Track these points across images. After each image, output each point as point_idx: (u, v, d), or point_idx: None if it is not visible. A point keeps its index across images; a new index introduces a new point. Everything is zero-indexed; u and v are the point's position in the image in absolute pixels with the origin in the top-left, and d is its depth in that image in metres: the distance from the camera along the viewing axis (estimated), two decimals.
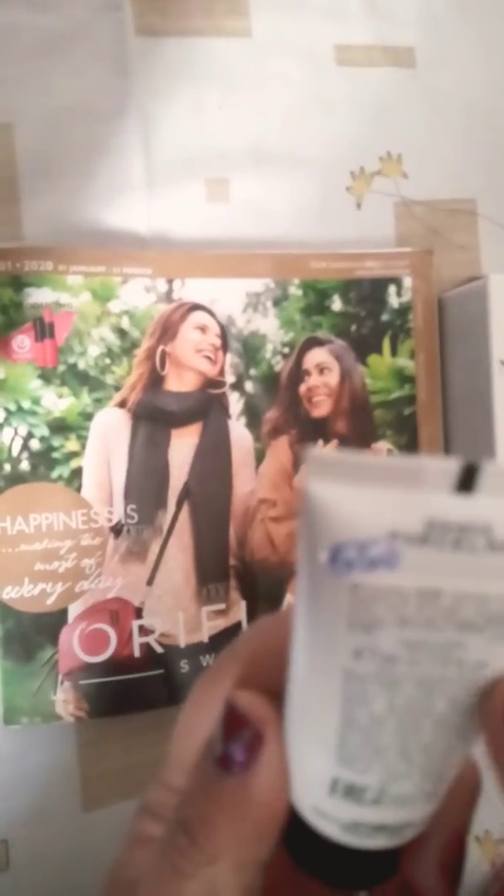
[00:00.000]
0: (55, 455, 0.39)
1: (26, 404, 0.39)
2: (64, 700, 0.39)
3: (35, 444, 0.39)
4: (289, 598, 0.43)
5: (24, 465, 0.39)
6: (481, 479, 0.13)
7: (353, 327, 0.44)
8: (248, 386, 0.43)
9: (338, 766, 0.16)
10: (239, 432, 0.42)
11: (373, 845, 0.17)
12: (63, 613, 0.39)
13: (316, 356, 0.43)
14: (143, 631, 0.40)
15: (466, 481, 0.13)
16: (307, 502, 0.14)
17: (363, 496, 0.14)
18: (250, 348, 0.42)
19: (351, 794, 0.16)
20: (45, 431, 0.39)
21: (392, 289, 0.44)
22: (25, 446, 0.39)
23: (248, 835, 0.17)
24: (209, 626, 0.41)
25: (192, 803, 0.17)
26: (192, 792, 0.17)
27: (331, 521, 0.14)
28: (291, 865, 0.19)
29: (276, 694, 0.17)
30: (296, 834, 0.18)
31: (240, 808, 0.16)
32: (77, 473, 0.40)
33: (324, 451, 0.14)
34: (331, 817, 0.17)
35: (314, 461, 0.14)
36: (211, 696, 0.19)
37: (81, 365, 0.40)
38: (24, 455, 0.39)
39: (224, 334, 0.42)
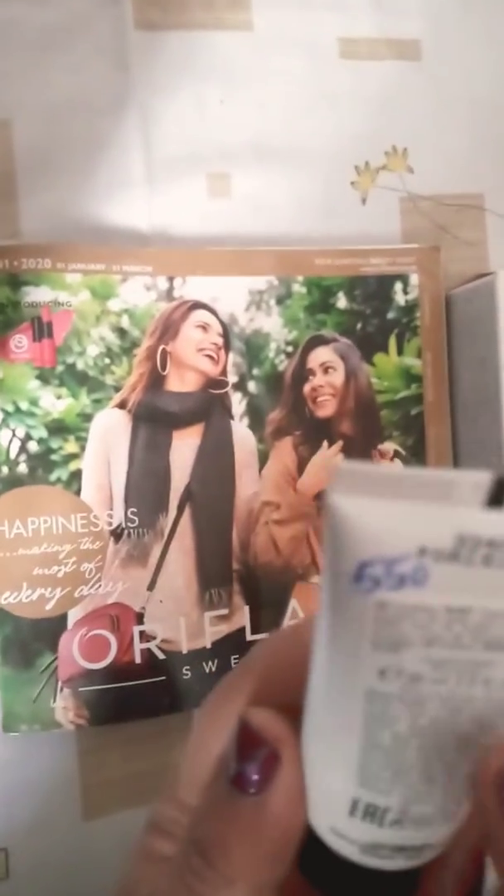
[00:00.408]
0: (54, 457, 0.39)
1: (24, 405, 0.38)
2: (64, 707, 0.38)
3: (33, 446, 0.38)
4: (293, 604, 0.42)
5: (22, 468, 0.38)
6: None
7: (359, 325, 0.43)
8: (251, 386, 0.42)
9: (358, 787, 0.16)
10: (242, 433, 0.41)
11: (392, 866, 0.17)
12: (62, 619, 0.38)
13: (320, 355, 0.42)
14: (144, 637, 0.39)
15: (498, 495, 0.13)
16: (333, 517, 0.14)
17: (391, 511, 0.13)
18: (253, 347, 0.42)
19: (371, 815, 0.16)
20: (43, 433, 0.39)
21: (398, 286, 0.43)
22: (23, 448, 0.38)
23: (265, 856, 0.16)
24: (212, 632, 0.40)
25: (206, 824, 0.17)
26: (206, 812, 0.17)
27: (357, 537, 0.13)
28: (305, 885, 0.18)
29: (291, 710, 0.17)
30: (312, 854, 0.17)
31: (256, 829, 0.16)
32: (76, 476, 0.39)
33: (351, 463, 0.14)
34: (350, 838, 0.16)
35: (341, 474, 0.14)
36: (223, 713, 0.18)
37: (80, 365, 0.39)
38: (22, 457, 0.38)
39: (226, 333, 0.41)
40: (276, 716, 0.17)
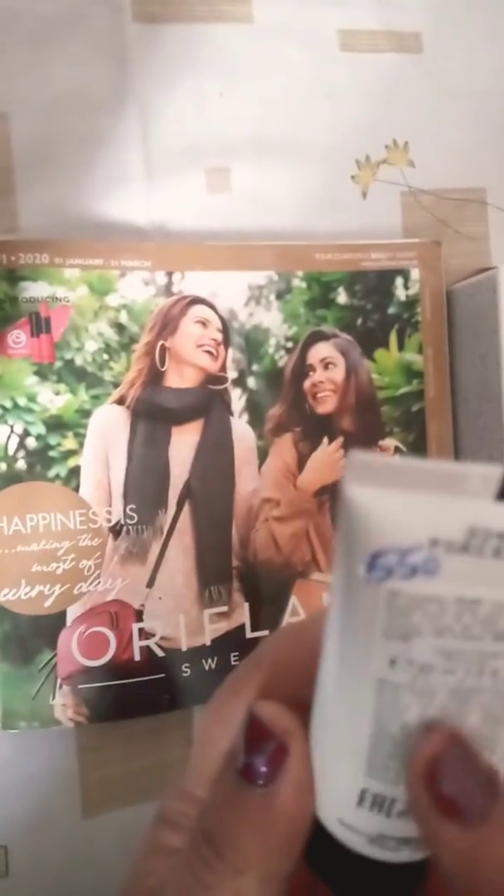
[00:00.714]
0: (52, 453, 0.38)
1: (22, 401, 0.38)
2: (63, 704, 0.38)
3: (31, 443, 0.38)
4: (293, 601, 0.42)
5: (21, 464, 0.38)
6: None
7: (359, 321, 0.43)
8: (251, 382, 0.41)
9: (367, 778, 0.16)
10: (241, 430, 0.41)
11: (398, 859, 0.17)
12: (61, 616, 0.38)
13: (321, 351, 0.42)
14: (144, 634, 0.39)
15: None
16: (348, 507, 0.14)
17: (404, 502, 0.13)
18: (253, 343, 0.41)
19: (379, 806, 0.16)
20: (41, 429, 0.38)
21: (399, 281, 0.43)
22: (21, 444, 0.38)
23: (274, 847, 0.16)
24: (211, 629, 0.40)
25: (215, 815, 0.17)
26: (215, 804, 0.17)
27: (371, 527, 0.14)
28: (312, 879, 0.18)
29: (299, 704, 0.17)
30: (318, 847, 0.17)
31: (265, 820, 0.16)
32: (75, 472, 0.39)
33: (366, 455, 0.14)
34: (357, 830, 0.17)
35: (355, 465, 0.14)
36: (232, 706, 0.18)
37: (79, 361, 0.39)
38: (21, 453, 0.38)
39: (226, 328, 0.41)
40: (285, 709, 0.17)
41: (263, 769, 0.16)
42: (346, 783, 0.16)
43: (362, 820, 0.16)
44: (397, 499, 0.13)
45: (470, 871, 0.14)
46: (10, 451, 0.38)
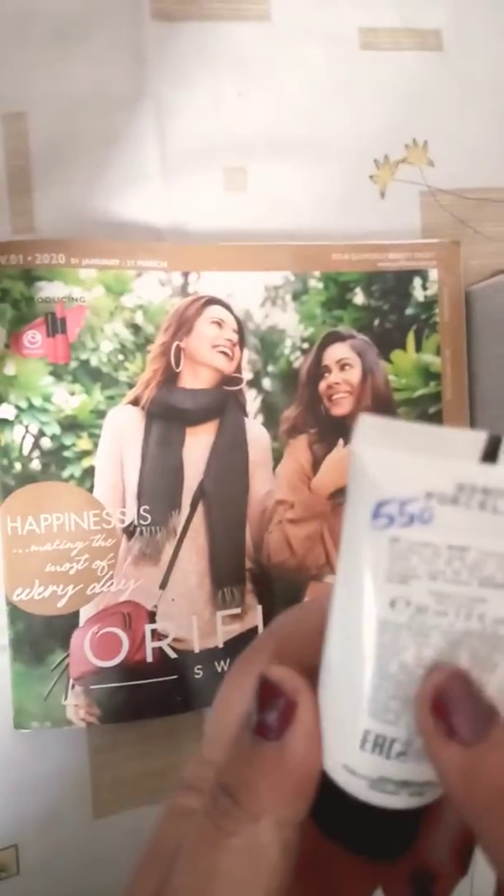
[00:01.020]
0: (67, 454, 0.38)
1: (37, 401, 0.38)
2: (75, 705, 0.38)
3: (46, 443, 0.38)
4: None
5: (35, 464, 0.38)
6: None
7: (376, 322, 0.42)
8: (266, 383, 0.41)
9: (369, 718, 0.18)
10: (256, 431, 0.41)
11: (396, 804, 0.18)
12: (74, 616, 0.38)
13: (337, 352, 0.42)
14: (156, 635, 0.39)
15: (492, 452, 0.16)
16: (356, 463, 0.16)
17: (405, 460, 0.16)
18: (268, 344, 0.41)
19: (380, 746, 0.18)
20: (56, 429, 0.38)
21: (417, 282, 0.43)
22: (36, 445, 0.38)
23: (288, 794, 0.18)
24: (224, 631, 0.40)
25: (232, 769, 0.18)
26: (232, 760, 0.19)
27: (376, 481, 0.16)
28: (316, 844, 0.19)
29: (306, 671, 0.19)
30: (323, 804, 0.19)
31: (278, 770, 0.18)
32: (89, 473, 0.39)
33: (372, 417, 0.17)
34: (360, 774, 0.18)
35: (364, 426, 0.16)
36: (246, 675, 0.20)
37: (94, 361, 0.39)
38: (35, 454, 0.38)
39: (241, 329, 0.41)
40: (293, 671, 0.19)
41: (275, 724, 0.18)
42: (350, 727, 0.18)
43: (364, 763, 0.18)
44: (399, 456, 0.16)
45: (469, 786, 0.16)
46: (25, 452, 0.38)
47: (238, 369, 0.41)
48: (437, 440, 0.16)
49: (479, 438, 0.16)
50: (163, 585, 0.39)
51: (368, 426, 0.16)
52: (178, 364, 0.40)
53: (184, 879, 0.18)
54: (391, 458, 0.16)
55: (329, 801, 0.19)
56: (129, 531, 0.39)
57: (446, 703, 0.16)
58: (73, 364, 0.39)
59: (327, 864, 0.21)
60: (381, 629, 0.17)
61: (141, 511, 0.39)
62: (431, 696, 0.17)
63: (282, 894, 0.18)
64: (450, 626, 0.16)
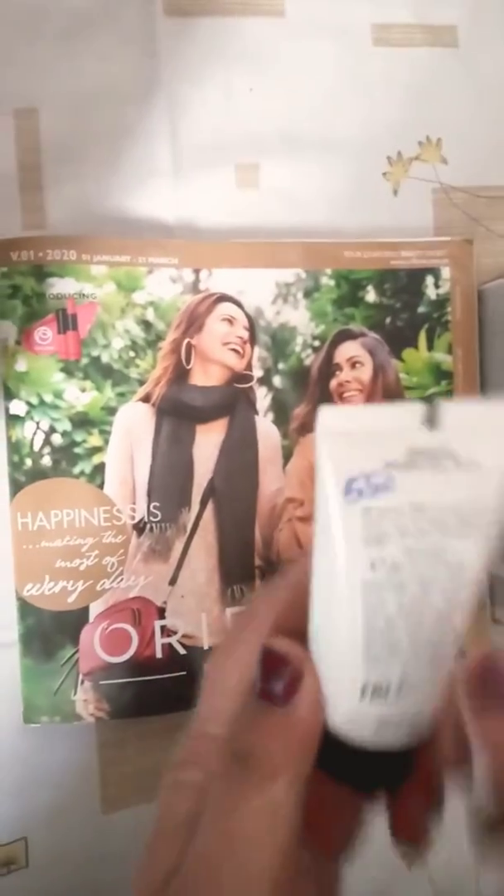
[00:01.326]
0: (77, 450, 0.39)
1: (48, 398, 0.38)
2: (84, 700, 0.38)
3: (57, 439, 0.38)
4: None
5: (46, 460, 0.38)
6: (442, 416, 0.18)
7: (388, 320, 0.42)
8: (277, 380, 0.41)
9: (366, 670, 0.19)
10: (266, 428, 0.41)
11: (397, 744, 0.20)
12: (84, 612, 0.38)
13: (348, 350, 0.42)
14: (166, 632, 0.39)
15: (431, 417, 0.18)
16: (322, 449, 0.19)
17: (363, 438, 0.18)
18: (279, 341, 0.41)
19: (378, 693, 0.19)
20: (67, 426, 0.38)
21: (429, 280, 0.42)
22: (47, 441, 0.38)
23: (297, 755, 0.19)
24: None
25: (244, 737, 0.20)
26: (241, 728, 0.20)
27: (342, 461, 0.18)
28: (323, 780, 0.21)
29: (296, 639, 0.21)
30: (327, 753, 0.20)
31: (287, 733, 0.19)
32: (99, 469, 0.39)
33: (330, 406, 0.19)
34: (362, 722, 0.20)
35: (324, 415, 0.19)
36: (237, 651, 0.22)
37: (105, 358, 0.39)
38: (46, 450, 0.38)
39: (252, 326, 0.40)
40: (294, 642, 0.20)
41: (282, 692, 0.20)
42: (349, 684, 0.20)
43: (366, 711, 0.20)
44: (357, 437, 0.18)
45: None
46: (36, 448, 0.38)
47: (249, 367, 0.41)
48: (386, 416, 0.19)
49: (419, 408, 0.18)
50: (172, 582, 0.39)
51: (328, 416, 0.19)
52: (188, 361, 0.40)
53: (208, 843, 0.19)
54: (351, 440, 0.18)
55: (330, 751, 0.20)
56: (139, 528, 0.39)
57: (484, 679, 0.19)
58: (84, 361, 0.39)
59: (327, 807, 0.22)
60: (365, 591, 0.19)
61: (151, 508, 0.39)
62: (469, 676, 0.19)
63: (296, 843, 0.19)
64: (421, 575, 0.18)
